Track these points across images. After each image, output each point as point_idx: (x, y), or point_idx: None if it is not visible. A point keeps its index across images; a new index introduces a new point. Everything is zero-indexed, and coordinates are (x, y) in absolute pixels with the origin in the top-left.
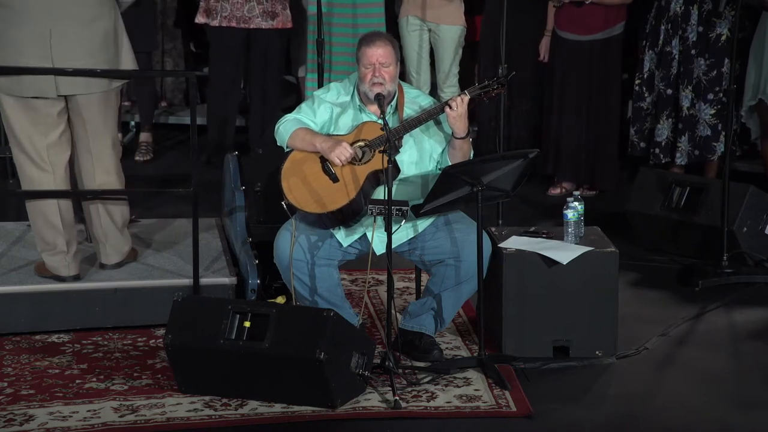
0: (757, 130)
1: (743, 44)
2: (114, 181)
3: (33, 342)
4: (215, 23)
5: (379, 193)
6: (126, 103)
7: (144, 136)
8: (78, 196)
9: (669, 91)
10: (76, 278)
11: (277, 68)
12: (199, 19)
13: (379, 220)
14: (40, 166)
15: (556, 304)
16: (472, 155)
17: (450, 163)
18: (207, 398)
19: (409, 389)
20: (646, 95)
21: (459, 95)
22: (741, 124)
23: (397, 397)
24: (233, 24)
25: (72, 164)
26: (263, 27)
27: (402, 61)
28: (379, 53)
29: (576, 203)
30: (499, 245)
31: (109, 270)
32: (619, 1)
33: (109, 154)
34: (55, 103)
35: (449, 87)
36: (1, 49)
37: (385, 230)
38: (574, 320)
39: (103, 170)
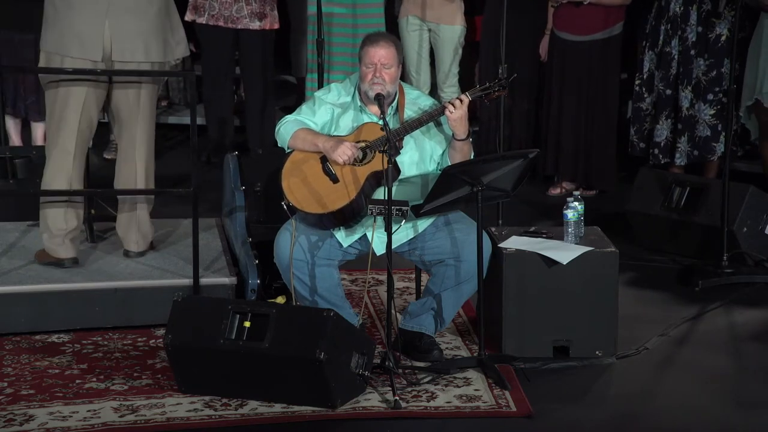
0: (756, 131)
1: (743, 44)
2: (143, 169)
3: (33, 342)
4: (202, 20)
5: (380, 194)
6: None
7: None
8: (76, 195)
9: (668, 92)
10: (75, 261)
11: (269, 68)
12: (188, 16)
13: (379, 220)
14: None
15: (556, 304)
16: (472, 156)
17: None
18: (207, 398)
19: (409, 389)
20: (645, 96)
21: (458, 97)
22: (741, 124)
23: (397, 397)
24: (220, 23)
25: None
26: (251, 28)
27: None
28: (381, 54)
29: (576, 203)
30: (499, 245)
31: (120, 266)
32: (619, 1)
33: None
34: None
35: (449, 87)
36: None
37: (385, 230)
38: (574, 320)
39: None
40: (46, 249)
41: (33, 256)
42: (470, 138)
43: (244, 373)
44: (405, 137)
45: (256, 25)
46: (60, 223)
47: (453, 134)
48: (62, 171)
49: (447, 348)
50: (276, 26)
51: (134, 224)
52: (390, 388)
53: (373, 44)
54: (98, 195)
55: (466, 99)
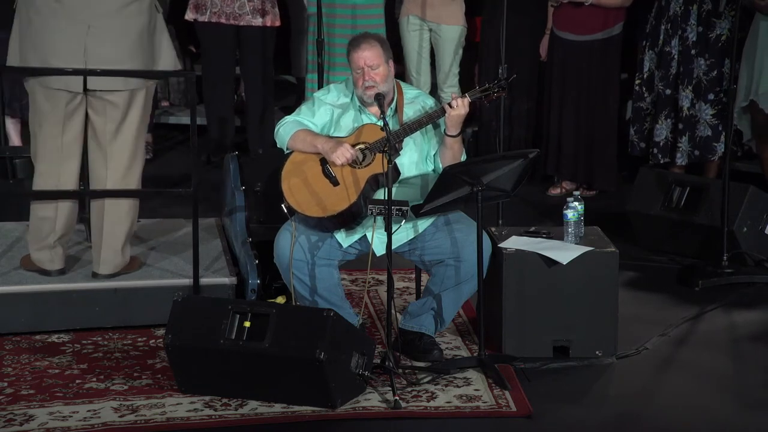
0: (748, 132)
1: (743, 44)
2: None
3: (33, 342)
4: (204, 19)
5: (380, 194)
6: None
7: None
8: (76, 197)
9: (668, 92)
10: (62, 272)
11: (270, 66)
12: (189, 15)
13: (379, 220)
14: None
15: (556, 304)
16: (464, 156)
17: (441, 163)
18: (207, 398)
19: (409, 389)
20: (645, 95)
21: (460, 97)
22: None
23: (397, 397)
24: (222, 20)
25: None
26: (253, 24)
27: (402, 61)
28: (365, 56)
29: (576, 203)
30: (499, 245)
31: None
32: (618, 3)
33: (125, 158)
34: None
35: (449, 87)
36: (35, 43)
37: (385, 230)
38: (574, 320)
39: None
40: (32, 259)
41: (20, 260)
42: (462, 137)
43: (244, 373)
44: (404, 138)
45: (258, 21)
46: (50, 238)
47: (445, 130)
48: (50, 185)
49: (447, 348)
50: (277, 23)
51: (100, 241)
52: (390, 388)
53: (355, 48)
54: (90, 196)
55: (467, 99)
